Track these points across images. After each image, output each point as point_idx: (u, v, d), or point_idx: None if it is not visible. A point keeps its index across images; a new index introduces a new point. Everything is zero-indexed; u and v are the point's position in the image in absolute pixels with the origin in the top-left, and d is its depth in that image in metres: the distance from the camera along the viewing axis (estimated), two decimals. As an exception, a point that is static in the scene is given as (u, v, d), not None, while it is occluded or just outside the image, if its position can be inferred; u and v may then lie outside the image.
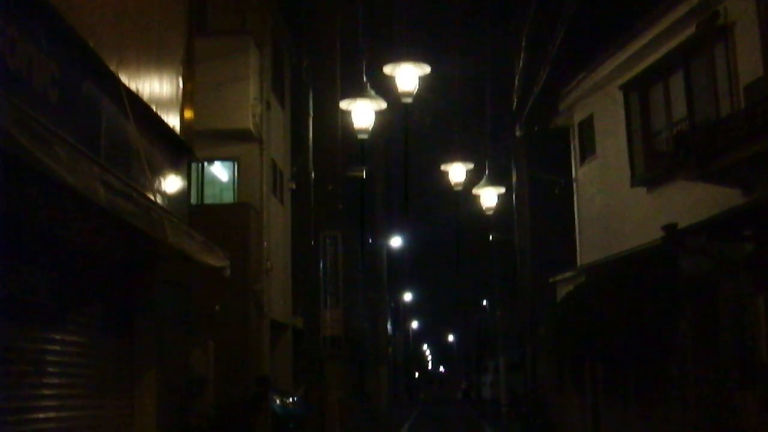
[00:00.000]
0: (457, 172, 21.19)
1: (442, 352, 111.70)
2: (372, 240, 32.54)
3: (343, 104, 15.50)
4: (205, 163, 20.54)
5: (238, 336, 18.84)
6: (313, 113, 18.02)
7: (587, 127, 21.43)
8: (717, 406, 13.86)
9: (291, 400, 21.24)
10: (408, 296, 61.95)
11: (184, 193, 12.64)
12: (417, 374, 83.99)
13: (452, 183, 21.40)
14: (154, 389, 10.50)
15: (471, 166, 21.30)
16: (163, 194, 11.32)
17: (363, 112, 15.21)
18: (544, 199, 25.72)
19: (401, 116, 26.81)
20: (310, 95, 18.17)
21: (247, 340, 18.93)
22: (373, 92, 15.06)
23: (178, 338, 12.62)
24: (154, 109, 11.14)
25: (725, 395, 13.61)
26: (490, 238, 27.42)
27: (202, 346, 18.30)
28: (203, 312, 18.72)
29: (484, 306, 57.06)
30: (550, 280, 24.77)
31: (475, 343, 61.64)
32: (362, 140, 17.13)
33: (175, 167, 12.18)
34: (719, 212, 13.34)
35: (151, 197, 9.74)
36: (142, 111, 10.49)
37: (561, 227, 28.26)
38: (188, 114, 12.65)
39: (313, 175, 17.30)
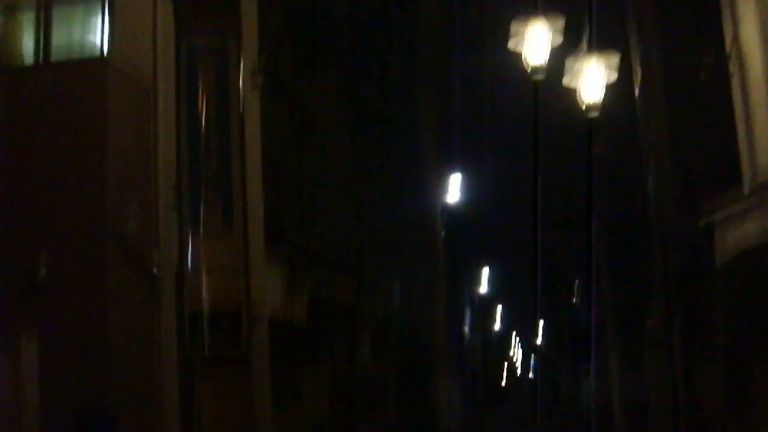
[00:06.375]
0: (537, 41, 11.15)
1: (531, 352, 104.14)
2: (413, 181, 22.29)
3: None
4: None
5: (90, 329, 9.18)
6: None
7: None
8: None
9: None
10: (485, 278, 52.44)
11: None
12: (504, 382, 74.21)
13: (528, 66, 11.38)
14: None
15: (561, 21, 11.21)
16: None
17: None
18: (675, 93, 16.23)
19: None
20: None
21: (109, 336, 9.17)
22: None
23: None
24: None
25: None
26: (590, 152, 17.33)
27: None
28: (12, 278, 9.30)
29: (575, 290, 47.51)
30: (701, 222, 14.84)
31: (568, 337, 52.18)
32: None
33: None
34: None
35: None
36: None
37: (705, 134, 18.76)
38: None
39: None
